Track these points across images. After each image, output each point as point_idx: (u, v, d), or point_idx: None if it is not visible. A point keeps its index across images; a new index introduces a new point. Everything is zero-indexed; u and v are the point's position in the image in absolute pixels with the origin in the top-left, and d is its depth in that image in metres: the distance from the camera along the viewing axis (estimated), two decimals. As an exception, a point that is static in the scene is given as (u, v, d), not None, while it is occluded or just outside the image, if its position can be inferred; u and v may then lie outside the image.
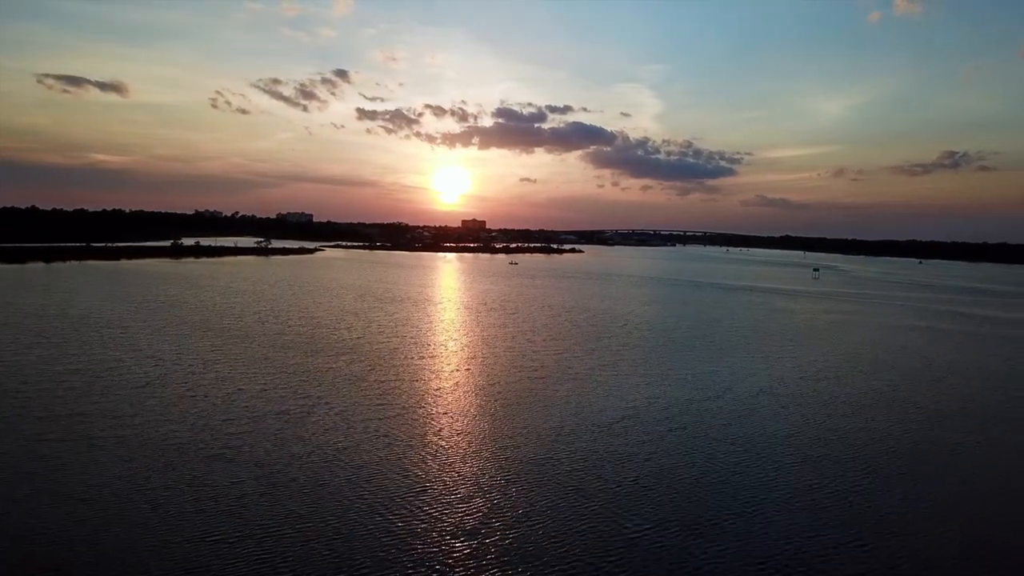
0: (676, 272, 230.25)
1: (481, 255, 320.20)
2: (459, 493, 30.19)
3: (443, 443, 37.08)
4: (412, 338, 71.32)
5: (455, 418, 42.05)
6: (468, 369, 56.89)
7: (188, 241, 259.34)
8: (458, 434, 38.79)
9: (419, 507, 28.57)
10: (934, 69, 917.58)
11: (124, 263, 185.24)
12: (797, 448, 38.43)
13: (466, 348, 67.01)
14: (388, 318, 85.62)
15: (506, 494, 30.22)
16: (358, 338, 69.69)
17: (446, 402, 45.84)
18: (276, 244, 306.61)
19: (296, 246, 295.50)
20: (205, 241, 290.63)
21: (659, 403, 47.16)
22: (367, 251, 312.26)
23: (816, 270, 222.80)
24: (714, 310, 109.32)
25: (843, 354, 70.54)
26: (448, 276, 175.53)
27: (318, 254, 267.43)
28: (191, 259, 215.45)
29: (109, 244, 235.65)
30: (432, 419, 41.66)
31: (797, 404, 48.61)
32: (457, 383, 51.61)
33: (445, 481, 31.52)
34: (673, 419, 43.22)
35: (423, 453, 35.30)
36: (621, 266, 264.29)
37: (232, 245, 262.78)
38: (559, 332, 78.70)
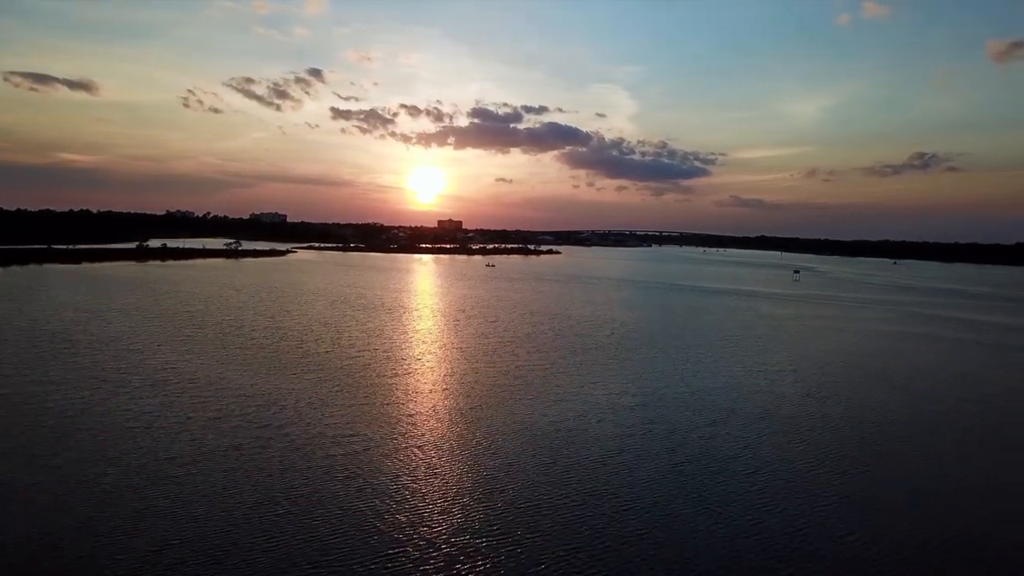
0: (656, 274, 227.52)
1: (458, 257, 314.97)
2: (435, 550, 25.49)
3: (418, 487, 32.32)
4: (385, 352, 66.31)
5: (431, 453, 37.31)
6: (446, 389, 52.11)
7: (155, 243, 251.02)
8: (435, 475, 34.05)
9: (388, 569, 23.89)
10: (904, 71, 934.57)
11: (86, 266, 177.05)
12: (833, 494, 34.43)
13: (444, 364, 62.22)
14: (359, 328, 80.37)
15: (491, 556, 25.60)
16: (326, 352, 64.48)
17: (421, 432, 41.04)
18: (248, 246, 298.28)
19: (267, 248, 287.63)
20: (173, 243, 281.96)
21: (659, 430, 42.90)
22: (341, 253, 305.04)
23: (797, 272, 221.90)
24: (700, 316, 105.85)
25: (843, 367, 67.17)
26: (424, 279, 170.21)
27: (290, 256, 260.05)
28: (157, 262, 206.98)
29: (71, 246, 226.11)
30: (406, 455, 36.86)
31: (807, 428, 44.71)
32: (434, 407, 46.80)
33: (418, 538, 26.77)
34: (676, 450, 38.95)
35: (395, 501, 30.49)
36: (600, 268, 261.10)
37: (200, 247, 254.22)
38: (543, 343, 74.22)
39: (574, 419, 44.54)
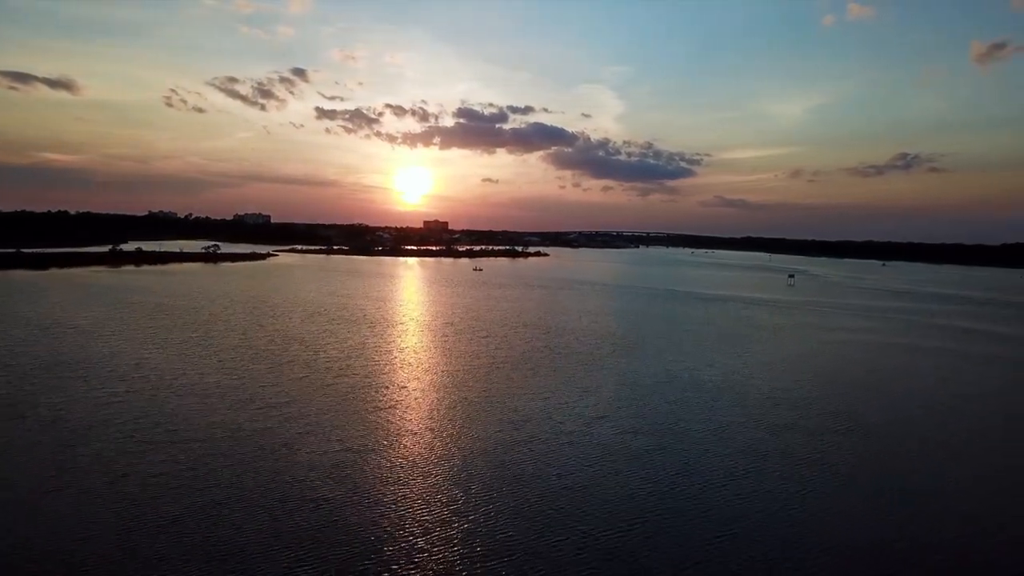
0: (648, 279, 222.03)
1: (444, 259, 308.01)
2: None
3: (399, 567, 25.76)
4: (366, 378, 59.49)
5: (412, 527, 30.72)
6: (432, 429, 45.41)
7: (133, 245, 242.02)
8: (417, 557, 27.48)
9: None
10: (889, 72, 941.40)
11: (54, 272, 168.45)
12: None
13: (432, 392, 55.55)
14: (338, 347, 73.39)
15: None
16: (300, 379, 57.57)
17: (404, 494, 34.41)
18: (229, 248, 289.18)
19: (248, 251, 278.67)
20: (151, 245, 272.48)
21: (685, 485, 36.61)
22: (324, 256, 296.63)
23: (791, 276, 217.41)
24: (707, 327, 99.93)
25: (862, 389, 61.45)
26: (409, 286, 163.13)
27: (271, 260, 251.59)
28: (131, 267, 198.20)
29: (41, 250, 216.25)
30: (384, 528, 30.22)
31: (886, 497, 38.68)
32: (422, 452, 40.18)
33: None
34: (726, 527, 32.65)
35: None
36: (590, 272, 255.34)
37: (178, 251, 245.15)
38: (541, 364, 67.72)
39: (580, 468, 38.14)
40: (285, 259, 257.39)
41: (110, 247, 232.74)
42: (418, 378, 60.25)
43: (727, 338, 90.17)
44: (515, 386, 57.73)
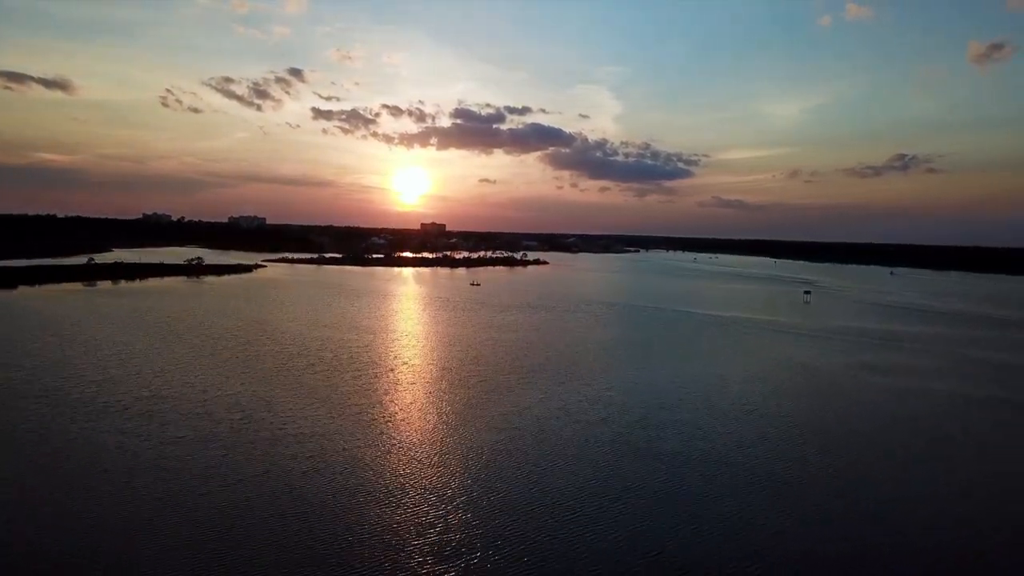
0: (656, 294, 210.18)
1: (440, 270, 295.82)
2: None
3: None
4: (344, 469, 47.19)
5: None
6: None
7: (118, 252, 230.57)
8: None
9: None
10: (886, 73, 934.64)
11: (23, 291, 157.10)
12: None
13: (431, 499, 43.36)
14: (314, 413, 61.08)
15: None
16: (261, 478, 45.25)
17: None
18: (217, 256, 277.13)
19: (234, 262, 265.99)
20: (134, 254, 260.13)
21: None
22: (315, 266, 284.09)
23: (807, 293, 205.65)
24: (733, 367, 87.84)
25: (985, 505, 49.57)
26: (402, 310, 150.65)
27: (258, 272, 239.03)
28: (108, 283, 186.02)
29: (14, 263, 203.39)
30: None
31: None
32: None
33: None
34: None
35: None
36: (594, 286, 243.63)
37: (159, 263, 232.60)
38: (560, 444, 55.54)
39: None
40: (273, 272, 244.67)
41: (87, 259, 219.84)
42: (413, 468, 47.97)
43: (769, 393, 78.20)
44: (533, 482, 45.59)
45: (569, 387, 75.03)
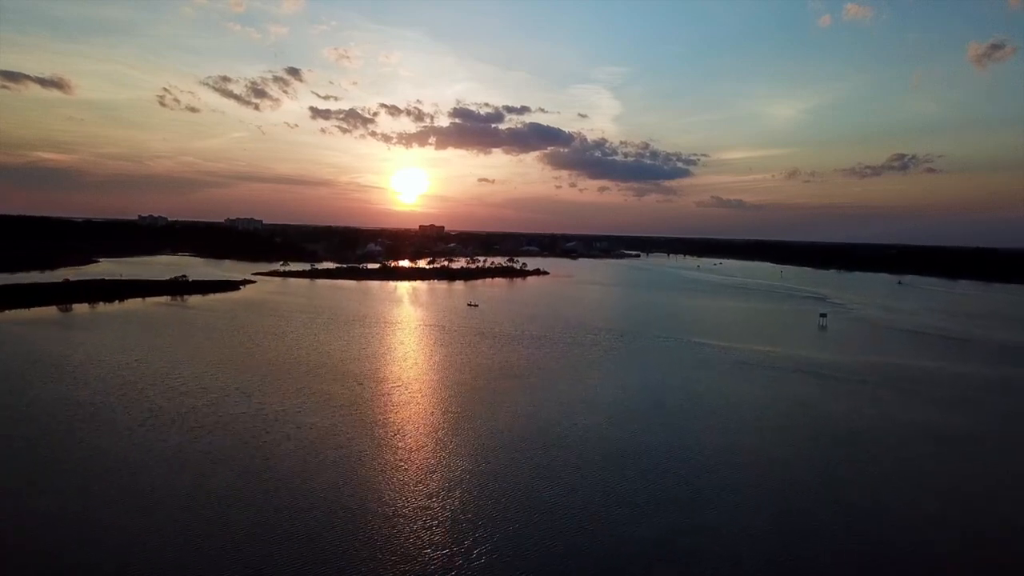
0: (666, 315, 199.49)
1: (437, 285, 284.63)
2: None
3: None
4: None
5: None
6: None
7: (104, 262, 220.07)
8: None
9: None
10: (884, 73, 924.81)
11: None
12: None
13: None
14: (278, 525, 50.15)
15: None
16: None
17: None
18: (207, 267, 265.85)
19: (222, 277, 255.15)
20: (121, 265, 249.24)
21: None
22: (307, 280, 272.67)
23: (823, 316, 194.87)
24: (766, 444, 77.05)
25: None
26: (394, 347, 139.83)
27: (245, 290, 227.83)
28: (85, 305, 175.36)
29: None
30: None
31: None
32: None
33: None
34: None
35: None
36: (598, 306, 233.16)
37: (142, 280, 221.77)
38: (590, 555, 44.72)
39: None
40: (262, 288, 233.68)
41: (64, 279, 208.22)
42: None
43: (817, 486, 67.51)
44: None
45: (596, 460, 64.09)
